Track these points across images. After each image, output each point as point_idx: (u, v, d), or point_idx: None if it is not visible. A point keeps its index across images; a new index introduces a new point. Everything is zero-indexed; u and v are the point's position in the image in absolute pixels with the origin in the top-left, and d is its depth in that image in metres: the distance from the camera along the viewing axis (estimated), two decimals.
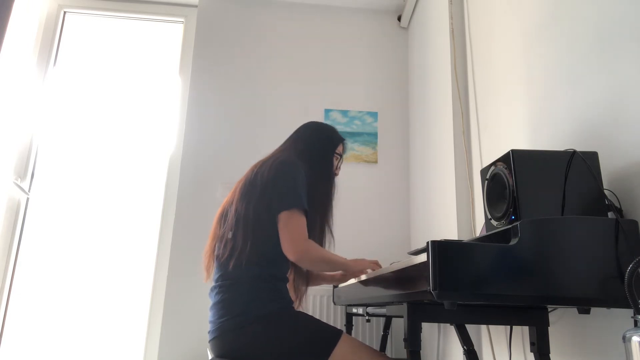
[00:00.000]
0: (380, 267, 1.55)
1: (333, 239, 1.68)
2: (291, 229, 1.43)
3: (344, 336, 1.39)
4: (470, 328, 1.82)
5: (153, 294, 2.65)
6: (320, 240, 1.64)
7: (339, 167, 1.74)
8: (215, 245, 1.56)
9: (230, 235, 1.49)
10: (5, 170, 2.61)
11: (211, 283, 1.56)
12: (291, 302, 1.50)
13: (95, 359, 2.61)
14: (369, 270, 1.54)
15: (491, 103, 1.85)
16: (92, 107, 2.97)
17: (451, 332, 2.09)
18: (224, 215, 1.58)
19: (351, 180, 2.86)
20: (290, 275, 1.68)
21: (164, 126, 2.97)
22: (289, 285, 1.66)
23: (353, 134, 2.91)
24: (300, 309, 1.60)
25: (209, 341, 1.46)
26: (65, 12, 3.08)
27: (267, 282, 1.45)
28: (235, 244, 1.46)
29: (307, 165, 1.58)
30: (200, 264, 2.61)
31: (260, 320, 1.38)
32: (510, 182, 1.09)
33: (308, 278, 1.74)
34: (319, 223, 1.62)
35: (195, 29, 3.01)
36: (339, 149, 1.72)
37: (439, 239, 1.01)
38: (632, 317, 0.87)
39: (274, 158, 1.56)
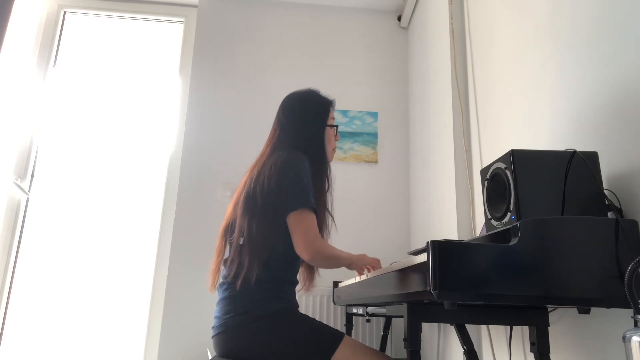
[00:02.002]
0: (380, 266, 1.55)
1: (333, 219, 1.66)
2: (304, 229, 1.42)
3: (346, 338, 1.40)
4: (470, 328, 1.82)
5: (153, 294, 2.65)
6: (325, 223, 1.62)
7: (337, 133, 1.67)
8: (221, 259, 1.56)
9: (240, 242, 1.47)
10: (5, 170, 2.61)
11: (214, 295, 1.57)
12: (296, 305, 1.51)
13: (95, 359, 2.61)
14: (367, 270, 1.54)
15: (491, 103, 1.85)
16: (92, 107, 2.97)
17: (451, 332, 2.09)
18: (228, 230, 1.57)
19: (351, 180, 2.86)
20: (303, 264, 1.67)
21: (164, 126, 2.97)
22: (301, 269, 1.64)
23: (353, 134, 2.91)
24: (304, 300, 1.59)
25: (213, 337, 1.46)
26: (65, 12, 3.08)
27: (275, 283, 1.45)
28: (241, 263, 1.44)
29: (305, 152, 1.53)
30: (200, 264, 2.61)
31: (265, 319, 1.38)
32: (510, 182, 1.09)
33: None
34: (322, 206, 1.59)
35: (195, 29, 3.01)
36: (331, 117, 1.64)
37: (439, 239, 1.01)
38: (632, 317, 0.87)
39: (272, 160, 1.51)
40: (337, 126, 1.67)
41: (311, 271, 1.68)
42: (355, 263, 1.51)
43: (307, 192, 1.45)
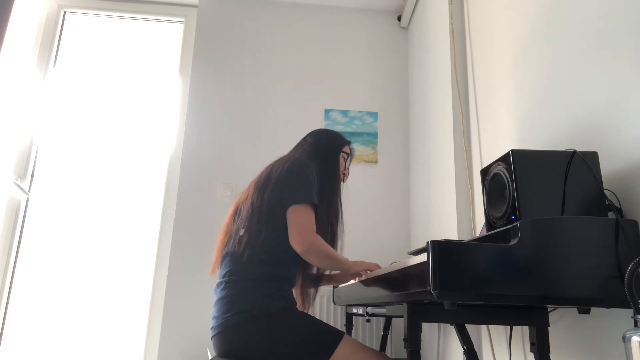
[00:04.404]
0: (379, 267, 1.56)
1: (341, 236, 1.72)
2: (300, 221, 1.45)
3: (346, 337, 1.40)
4: (470, 328, 1.82)
5: (153, 294, 2.65)
6: (330, 238, 1.66)
7: (348, 168, 1.80)
8: (226, 241, 1.58)
9: (242, 232, 1.52)
10: (5, 170, 2.61)
11: (215, 279, 1.58)
12: (295, 303, 1.51)
13: (95, 359, 2.61)
14: (367, 272, 1.54)
15: (491, 103, 1.85)
16: (92, 107, 2.97)
17: (451, 332, 2.09)
18: (237, 212, 1.61)
19: (351, 180, 2.85)
20: (298, 280, 1.70)
21: (164, 126, 2.97)
22: (297, 292, 1.68)
23: (353, 134, 2.91)
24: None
25: (212, 337, 1.46)
26: (65, 12, 3.08)
27: (273, 281, 1.46)
28: (250, 236, 1.49)
29: (317, 165, 1.63)
30: (200, 264, 2.61)
31: (263, 318, 1.39)
32: (510, 182, 1.09)
33: (319, 279, 1.76)
34: (327, 219, 1.64)
35: (195, 29, 3.01)
36: (346, 149, 1.80)
37: (439, 239, 1.01)
38: (632, 317, 0.87)
39: (288, 156, 1.61)
40: (349, 158, 1.80)
41: (306, 290, 1.71)
42: (352, 269, 1.52)
43: (310, 189, 1.50)
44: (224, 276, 1.51)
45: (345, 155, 1.79)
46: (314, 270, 1.74)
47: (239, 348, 1.38)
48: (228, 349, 1.40)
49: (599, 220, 0.94)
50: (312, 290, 1.75)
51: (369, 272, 1.54)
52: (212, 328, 1.47)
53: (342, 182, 1.77)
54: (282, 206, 1.50)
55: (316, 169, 1.59)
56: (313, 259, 1.47)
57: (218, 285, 1.52)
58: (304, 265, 1.65)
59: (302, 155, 1.63)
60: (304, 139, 1.80)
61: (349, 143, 1.82)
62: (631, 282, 0.84)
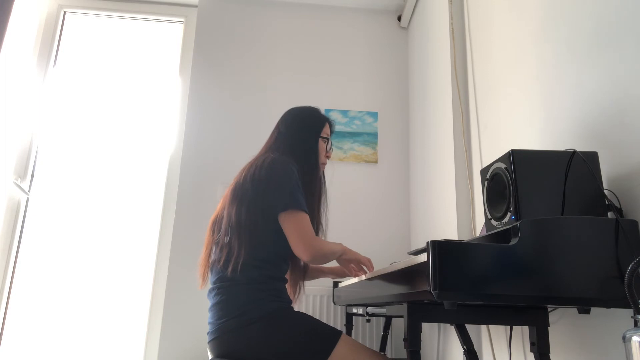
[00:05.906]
0: (371, 264, 1.56)
1: (322, 226, 1.67)
2: (299, 230, 1.42)
3: (344, 337, 1.39)
4: (470, 328, 1.82)
5: (153, 294, 2.65)
6: (316, 230, 1.63)
7: (330, 150, 1.70)
8: (210, 253, 1.55)
9: (226, 240, 1.48)
10: (5, 170, 2.61)
11: (207, 287, 1.57)
12: (290, 302, 1.50)
13: (95, 359, 2.61)
14: (366, 271, 1.54)
15: (491, 103, 1.85)
16: (92, 107, 2.97)
17: (451, 332, 2.09)
18: (217, 222, 1.57)
19: (351, 180, 2.86)
20: (289, 273, 1.68)
21: (164, 126, 2.97)
22: (287, 284, 1.66)
23: (353, 134, 2.91)
24: (296, 307, 1.60)
25: (209, 342, 1.46)
26: (65, 12, 3.08)
27: (265, 282, 1.44)
28: (231, 249, 1.44)
29: (296, 159, 1.55)
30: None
31: (259, 320, 1.38)
32: (510, 182, 1.09)
33: (305, 272, 1.74)
34: (317, 212, 1.62)
35: (195, 29, 3.01)
36: (325, 132, 1.68)
37: (439, 239, 1.01)
38: (632, 317, 0.87)
39: (263, 158, 1.53)
40: (329, 140, 1.69)
41: (295, 284, 1.69)
42: (347, 255, 1.52)
43: (297, 194, 1.45)
44: (215, 282, 1.49)
45: (326, 138, 1.67)
46: (301, 264, 1.71)
47: (237, 351, 1.38)
48: (226, 354, 1.40)
49: (599, 220, 0.94)
50: (301, 282, 1.73)
51: (364, 267, 1.55)
52: (208, 333, 1.47)
53: (324, 167, 1.68)
54: (265, 214, 1.45)
55: (296, 167, 1.51)
56: (320, 262, 1.46)
57: (210, 291, 1.51)
58: (293, 259, 1.61)
59: (278, 155, 1.53)
60: (277, 129, 1.67)
61: (327, 121, 1.69)
62: (631, 282, 0.84)
